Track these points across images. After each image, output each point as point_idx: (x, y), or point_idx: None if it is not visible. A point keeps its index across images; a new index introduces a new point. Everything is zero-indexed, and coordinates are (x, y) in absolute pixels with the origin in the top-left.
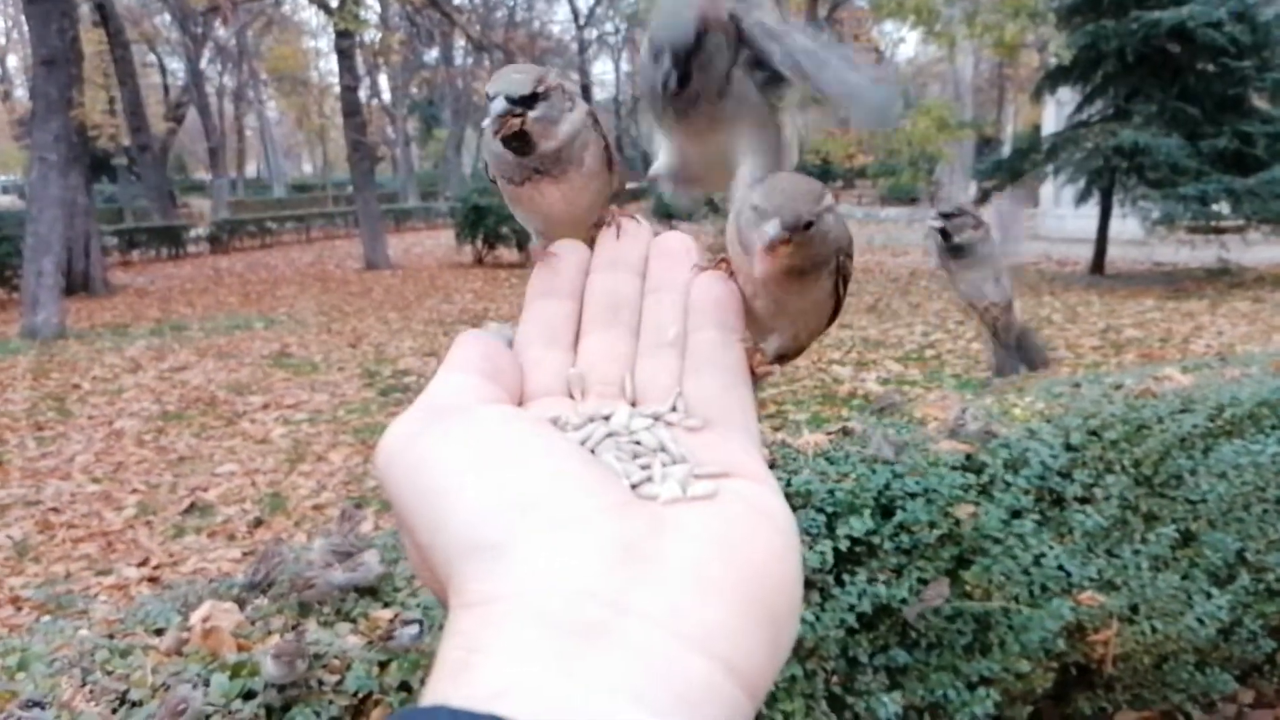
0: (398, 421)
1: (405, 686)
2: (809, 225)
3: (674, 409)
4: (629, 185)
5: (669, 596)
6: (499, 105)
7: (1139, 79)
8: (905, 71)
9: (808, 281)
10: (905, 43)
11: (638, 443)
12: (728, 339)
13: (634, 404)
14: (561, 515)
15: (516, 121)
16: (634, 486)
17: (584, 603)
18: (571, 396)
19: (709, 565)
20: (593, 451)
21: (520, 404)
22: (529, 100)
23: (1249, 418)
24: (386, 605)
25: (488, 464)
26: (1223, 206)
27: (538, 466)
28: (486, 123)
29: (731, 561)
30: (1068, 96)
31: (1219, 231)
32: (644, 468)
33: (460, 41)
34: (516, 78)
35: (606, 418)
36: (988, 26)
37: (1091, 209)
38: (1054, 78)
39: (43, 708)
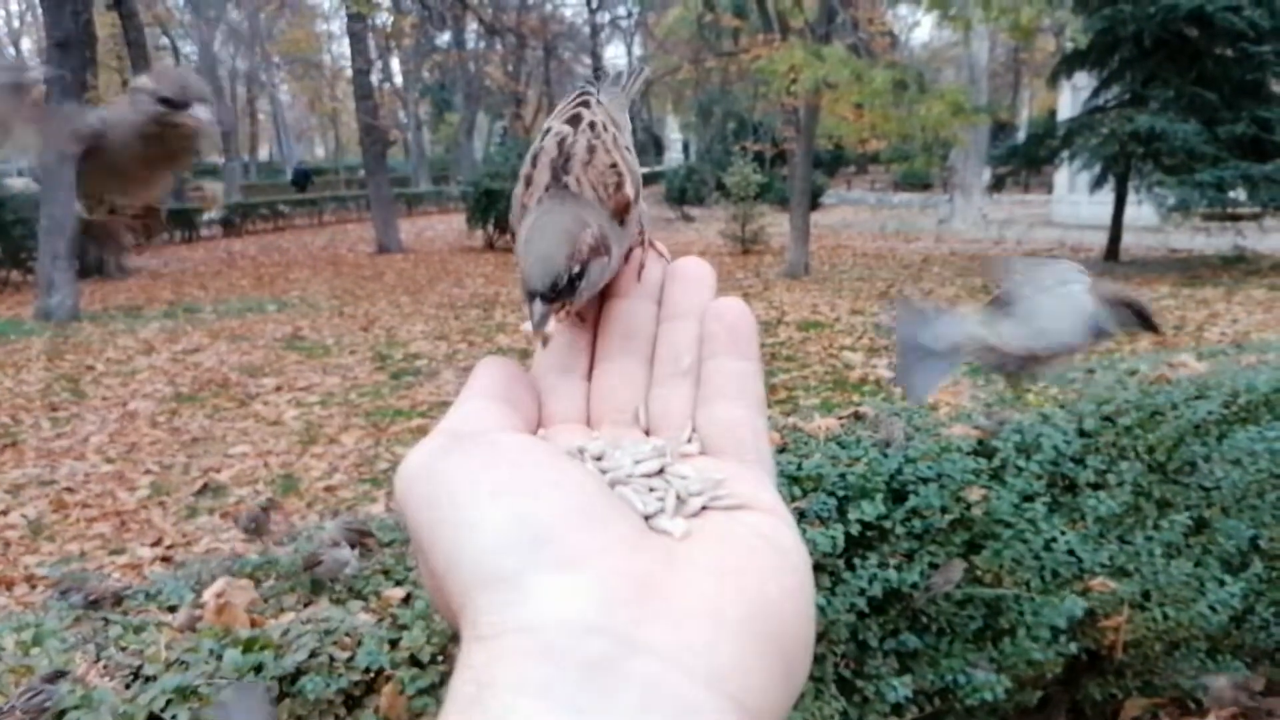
0: (417, 448)
1: (415, 662)
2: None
3: (689, 440)
4: (643, 170)
5: (681, 633)
6: (538, 309)
7: (1156, 64)
8: (920, 56)
9: None
10: (920, 26)
11: (652, 474)
12: (744, 368)
13: (648, 433)
14: (575, 548)
15: (562, 314)
16: (648, 518)
17: (595, 638)
18: (588, 424)
19: (721, 602)
20: (609, 482)
21: (537, 431)
22: (569, 288)
23: (1264, 404)
24: (398, 584)
25: (504, 494)
26: (1239, 193)
27: (554, 498)
28: (526, 326)
29: (744, 598)
30: (1084, 81)
31: (1235, 218)
32: (659, 500)
33: (473, 25)
34: (549, 265)
35: (621, 447)
36: (1004, 10)
37: (1106, 195)
38: (1070, 62)
39: (62, 675)
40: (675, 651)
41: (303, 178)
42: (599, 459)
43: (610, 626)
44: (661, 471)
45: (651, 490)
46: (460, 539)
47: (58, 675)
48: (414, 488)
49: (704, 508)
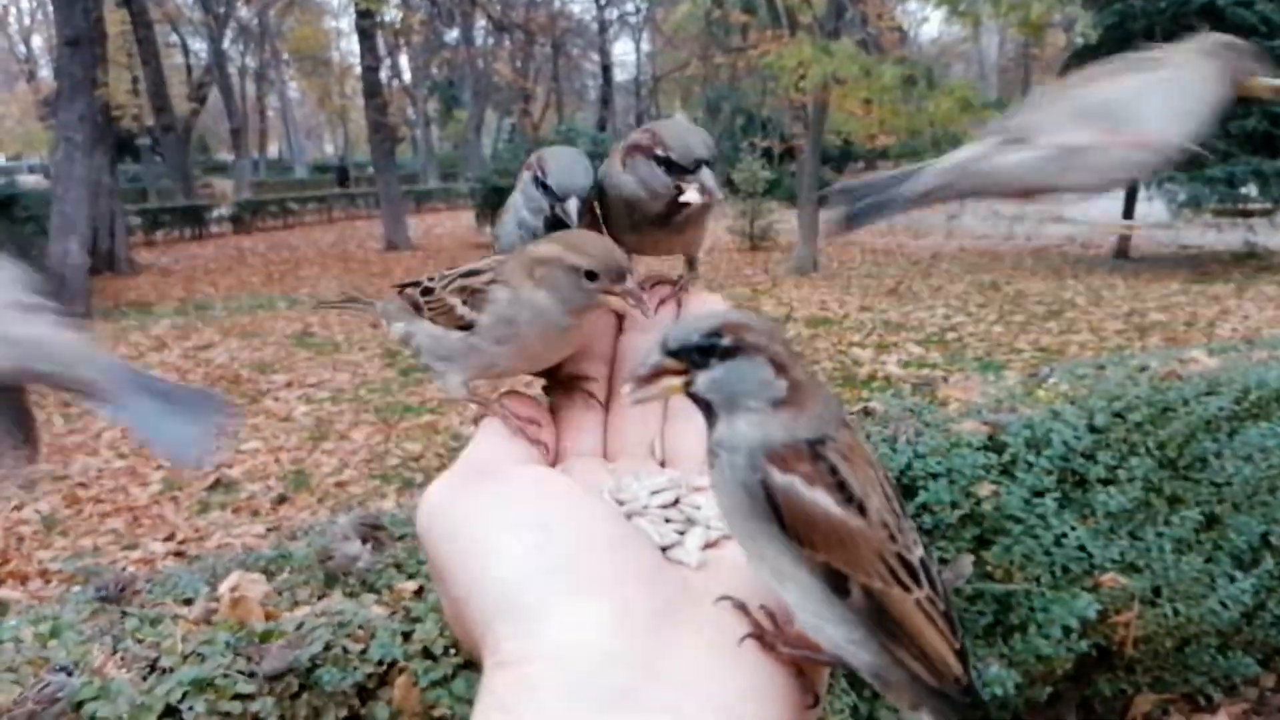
0: (439, 480)
1: (428, 654)
2: None
3: (703, 472)
4: None
5: (697, 662)
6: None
7: None
8: (929, 51)
9: None
10: (929, 22)
11: (668, 505)
12: None
13: (663, 464)
14: (595, 579)
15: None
16: (664, 549)
17: (615, 667)
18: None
19: (737, 632)
20: (625, 514)
21: (555, 463)
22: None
23: (1275, 400)
24: (411, 577)
25: (524, 526)
26: (1250, 189)
27: (573, 530)
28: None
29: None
30: None
31: (1246, 214)
32: (676, 531)
33: (481, 21)
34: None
35: (637, 479)
36: (1013, 5)
37: (1116, 191)
38: (1080, 57)
39: (69, 673)
40: (693, 681)
41: (343, 173)
42: (615, 491)
43: (630, 656)
44: (676, 502)
45: (668, 521)
46: (480, 569)
47: (66, 669)
48: (435, 521)
49: (719, 539)
